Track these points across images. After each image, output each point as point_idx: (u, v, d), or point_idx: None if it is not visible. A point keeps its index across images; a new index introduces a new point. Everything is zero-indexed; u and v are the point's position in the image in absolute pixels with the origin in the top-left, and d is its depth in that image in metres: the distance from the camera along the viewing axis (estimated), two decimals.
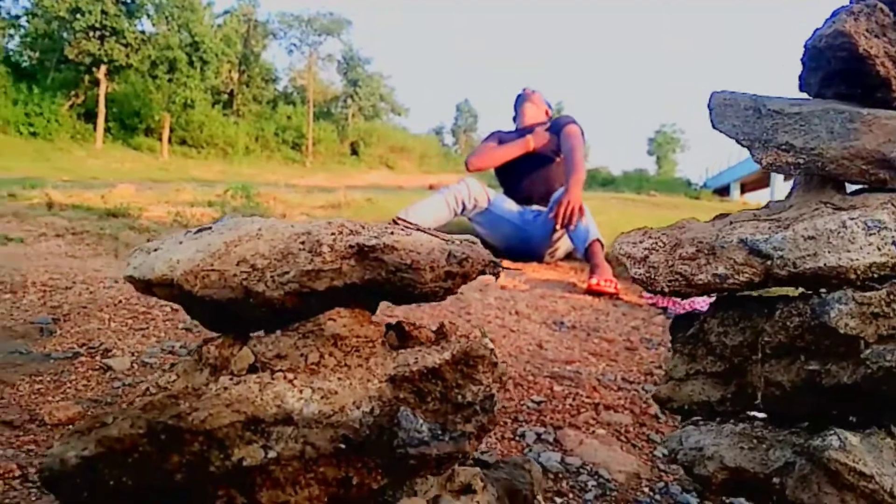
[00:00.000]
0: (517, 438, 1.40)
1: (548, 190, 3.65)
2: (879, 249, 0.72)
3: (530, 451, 1.34)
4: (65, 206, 4.77)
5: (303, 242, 0.58)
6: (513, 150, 3.70)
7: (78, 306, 1.97)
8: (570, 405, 1.59)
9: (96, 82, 26.68)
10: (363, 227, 0.62)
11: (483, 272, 0.66)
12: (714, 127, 0.90)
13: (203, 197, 6.29)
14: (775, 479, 0.74)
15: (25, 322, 1.80)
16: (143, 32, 27.34)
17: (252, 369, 0.58)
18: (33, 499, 0.89)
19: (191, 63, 28.35)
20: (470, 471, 0.83)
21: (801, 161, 0.81)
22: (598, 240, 3.23)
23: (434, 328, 0.68)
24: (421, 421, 0.58)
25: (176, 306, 2.02)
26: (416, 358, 0.62)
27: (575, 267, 3.65)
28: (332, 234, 0.59)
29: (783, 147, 0.82)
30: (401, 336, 0.68)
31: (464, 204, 3.61)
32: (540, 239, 3.62)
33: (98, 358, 1.56)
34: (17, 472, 0.97)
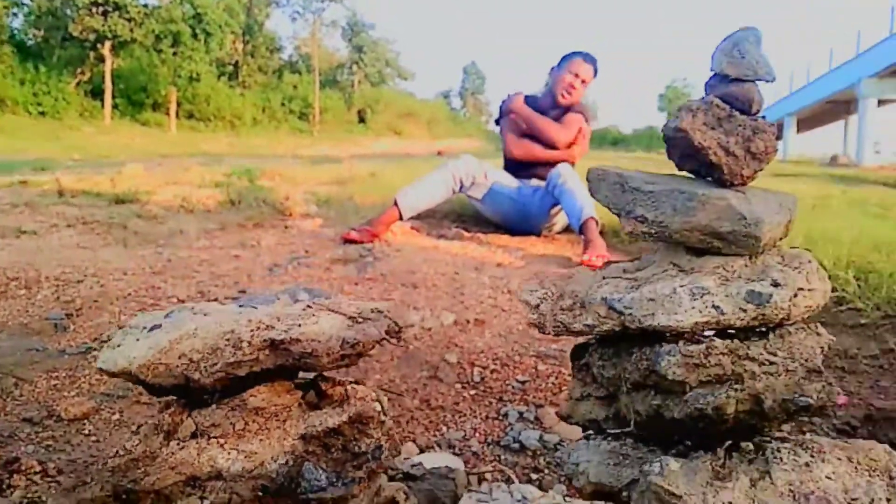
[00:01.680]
0: (500, 418, 1.56)
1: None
2: (700, 312, 0.90)
3: (512, 429, 1.47)
4: (75, 193, 4.91)
5: (228, 339, 0.77)
6: (556, 156, 3.76)
7: (90, 300, 2.09)
8: (553, 384, 1.71)
9: (102, 59, 26.74)
10: (279, 320, 0.80)
11: (379, 344, 0.85)
12: (592, 195, 1.07)
13: (210, 176, 6.40)
14: (625, 493, 0.93)
15: (41, 318, 1.93)
16: (145, 6, 27.23)
17: (194, 435, 0.77)
18: (53, 492, 0.97)
19: (195, 35, 28.27)
20: (395, 485, 1.03)
21: (653, 231, 0.98)
22: (593, 217, 3.30)
23: (345, 389, 0.87)
24: (321, 472, 0.78)
25: (183, 298, 2.20)
26: (321, 420, 0.81)
27: (572, 240, 3.73)
28: (252, 331, 0.78)
29: (639, 218, 1.00)
30: (319, 394, 0.87)
31: (461, 181, 3.69)
32: (537, 214, 3.72)
33: None
34: (38, 468, 1.03)
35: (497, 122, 4.06)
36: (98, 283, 2.28)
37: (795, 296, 0.92)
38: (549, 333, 1.05)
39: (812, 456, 0.92)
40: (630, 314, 0.94)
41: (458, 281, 2.71)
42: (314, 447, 0.80)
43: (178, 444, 0.76)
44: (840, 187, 7.39)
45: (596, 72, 3.86)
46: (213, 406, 0.79)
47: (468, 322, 2.18)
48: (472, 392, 1.71)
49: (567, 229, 3.87)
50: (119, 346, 0.79)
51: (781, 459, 0.90)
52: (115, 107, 27.44)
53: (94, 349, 1.70)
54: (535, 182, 3.80)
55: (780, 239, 1.01)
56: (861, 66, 22.47)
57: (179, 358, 0.76)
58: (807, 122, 31.67)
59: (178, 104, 28.71)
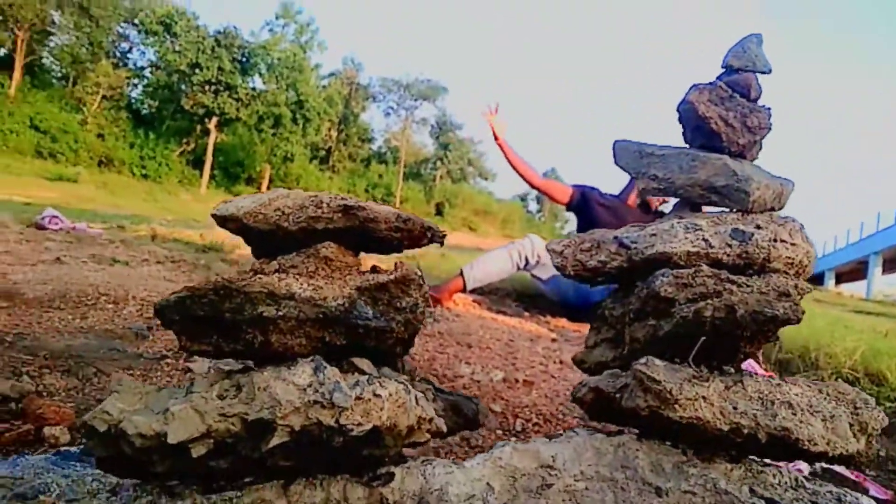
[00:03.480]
0: None
1: None
2: (692, 242, 1.09)
3: None
4: (167, 239, 5.31)
5: (312, 200, 1.01)
6: None
7: None
8: None
9: (207, 132, 28.86)
10: (350, 196, 1.04)
11: (425, 234, 1.07)
12: (616, 163, 1.29)
13: None
14: (617, 395, 1.10)
15: (124, 328, 2.13)
16: (254, 89, 29.46)
17: (277, 272, 1.00)
18: None
19: (294, 120, 30.24)
20: (425, 386, 1.22)
21: (662, 187, 1.19)
22: None
23: (395, 265, 1.09)
24: (369, 308, 0.99)
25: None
26: (374, 277, 1.03)
27: None
28: (331, 197, 1.02)
29: (651, 177, 1.20)
30: (374, 270, 1.09)
31: (527, 259, 3.74)
32: (599, 300, 3.79)
33: (181, 361, 1.85)
34: None
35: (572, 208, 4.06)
36: None
37: (775, 240, 1.10)
38: (569, 274, 1.24)
39: (784, 381, 1.07)
40: (635, 247, 1.14)
41: (511, 347, 2.81)
42: (365, 297, 1.01)
43: (264, 274, 0.99)
44: None
45: None
46: (294, 253, 1.02)
47: (517, 381, 2.28)
48: (513, 439, 1.78)
49: None
50: (230, 202, 1.04)
51: (756, 379, 1.06)
52: (212, 177, 29.32)
53: (168, 357, 1.90)
54: None
55: (773, 209, 1.19)
56: None
57: (275, 210, 1.01)
58: (893, 262, 30.64)
59: (271, 180, 30.42)
